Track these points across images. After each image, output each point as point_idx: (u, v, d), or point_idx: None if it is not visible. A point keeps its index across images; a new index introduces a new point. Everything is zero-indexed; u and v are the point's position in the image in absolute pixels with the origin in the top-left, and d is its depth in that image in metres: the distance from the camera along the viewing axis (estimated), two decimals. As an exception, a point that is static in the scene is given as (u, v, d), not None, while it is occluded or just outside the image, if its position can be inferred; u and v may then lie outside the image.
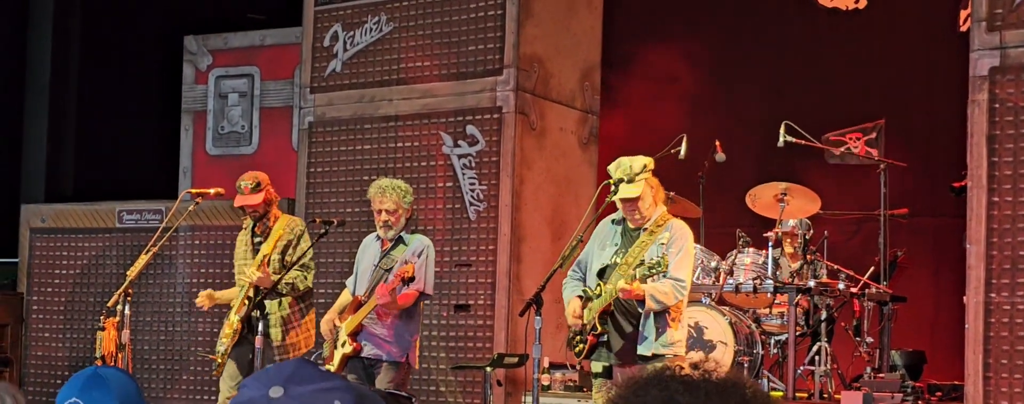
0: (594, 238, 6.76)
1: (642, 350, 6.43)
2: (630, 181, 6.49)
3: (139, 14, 12.32)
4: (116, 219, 10.81)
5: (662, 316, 6.45)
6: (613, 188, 6.55)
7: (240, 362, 7.81)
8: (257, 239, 7.88)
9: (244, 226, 8.04)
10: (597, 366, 6.66)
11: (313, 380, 1.76)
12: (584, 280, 6.71)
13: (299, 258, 7.68)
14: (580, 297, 6.59)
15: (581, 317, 6.53)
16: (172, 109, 12.29)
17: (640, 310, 6.43)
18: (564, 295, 6.77)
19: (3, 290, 11.11)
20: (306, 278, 7.74)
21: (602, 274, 6.57)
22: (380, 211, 7.23)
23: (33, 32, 11.94)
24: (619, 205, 6.58)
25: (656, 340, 6.42)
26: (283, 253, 7.73)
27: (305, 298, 7.86)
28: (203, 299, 7.85)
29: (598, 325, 6.48)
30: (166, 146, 12.32)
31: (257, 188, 7.79)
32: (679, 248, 6.46)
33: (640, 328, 6.46)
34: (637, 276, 6.28)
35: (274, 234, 7.78)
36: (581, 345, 6.58)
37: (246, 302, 7.70)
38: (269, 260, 7.74)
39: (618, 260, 6.54)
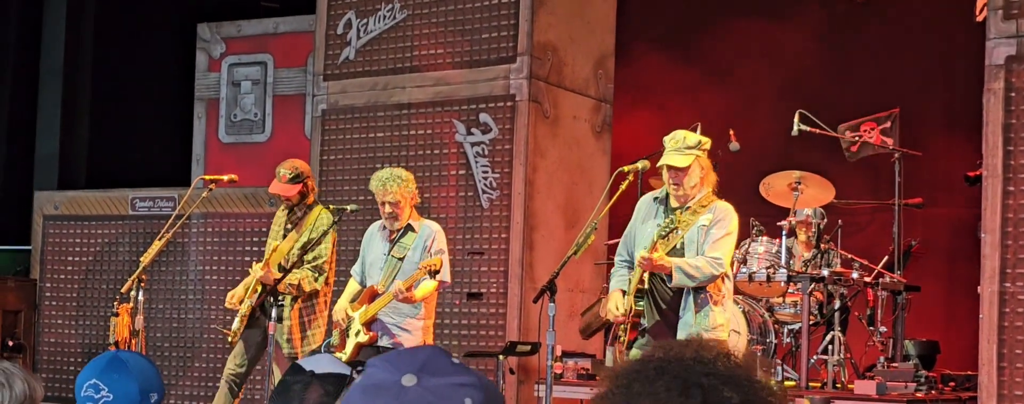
0: (635, 216, 6.60)
1: (681, 336, 6.21)
2: (680, 152, 6.36)
3: (152, 1, 12.32)
4: (129, 206, 10.83)
5: (703, 297, 6.29)
6: (661, 159, 6.41)
7: (248, 343, 7.84)
8: (288, 226, 7.86)
9: (281, 207, 7.97)
10: (636, 354, 6.53)
11: (447, 373, 1.71)
12: (631, 263, 6.54)
13: (314, 258, 7.64)
14: (623, 291, 6.48)
15: (624, 312, 6.38)
16: (185, 97, 12.29)
17: (667, 282, 6.27)
18: (611, 286, 6.64)
19: (16, 277, 11.14)
20: (316, 280, 7.66)
21: None
22: (384, 203, 7.22)
23: (47, 19, 11.95)
24: (664, 175, 6.42)
25: (696, 323, 6.26)
26: (304, 249, 7.68)
27: (314, 296, 7.81)
28: (231, 302, 7.86)
29: (633, 305, 6.37)
30: (179, 134, 12.31)
31: (296, 179, 7.73)
32: (722, 229, 6.31)
33: (680, 309, 6.33)
34: (655, 238, 6.18)
35: (303, 227, 7.74)
36: (623, 336, 6.45)
37: (258, 289, 7.72)
38: (289, 253, 7.71)
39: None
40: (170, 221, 8.06)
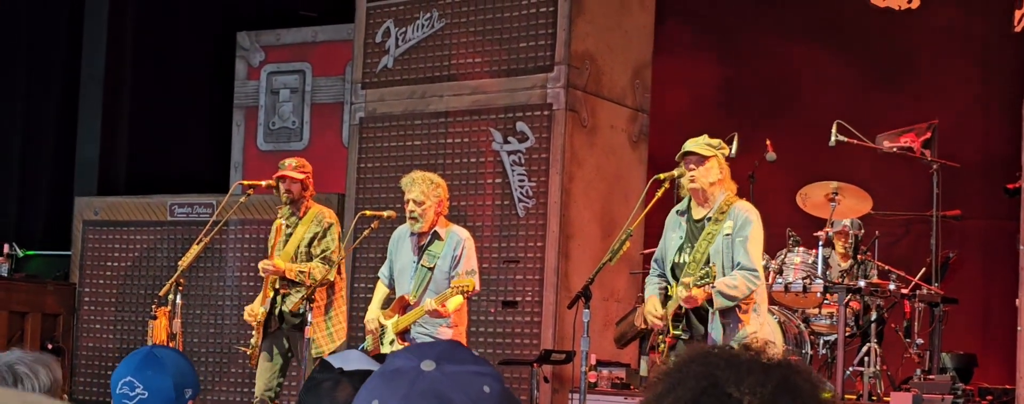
0: (665, 231, 6.67)
1: None
2: (699, 146, 6.41)
3: (193, 10, 12.42)
4: (167, 212, 10.90)
5: (731, 311, 6.28)
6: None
7: (272, 355, 7.88)
8: (288, 229, 7.94)
9: (280, 214, 8.08)
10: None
11: (466, 361, 1.75)
12: (664, 276, 6.60)
13: (322, 251, 7.74)
14: (664, 295, 6.51)
15: (660, 316, 6.42)
16: (224, 104, 12.38)
17: (710, 308, 6.29)
18: (645, 293, 6.69)
19: (56, 281, 11.23)
20: (327, 272, 7.75)
21: (675, 276, 6.48)
22: (408, 201, 7.22)
23: (88, 26, 12.05)
24: (681, 170, 6.45)
25: (724, 337, 6.26)
26: (310, 245, 7.78)
27: (331, 291, 7.86)
28: (249, 318, 7.93)
29: (670, 328, 6.40)
30: (218, 141, 12.41)
31: (300, 169, 7.91)
32: (744, 235, 6.29)
33: (707, 328, 6.33)
34: (691, 285, 6.19)
35: (302, 225, 7.84)
36: (662, 345, 6.49)
37: (270, 293, 7.78)
38: (296, 251, 7.80)
39: (685, 258, 6.42)
40: (209, 225, 8.10)
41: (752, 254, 6.30)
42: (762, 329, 6.41)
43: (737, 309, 6.31)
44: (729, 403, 1.60)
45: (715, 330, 6.29)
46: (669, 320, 6.38)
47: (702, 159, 6.40)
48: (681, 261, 6.45)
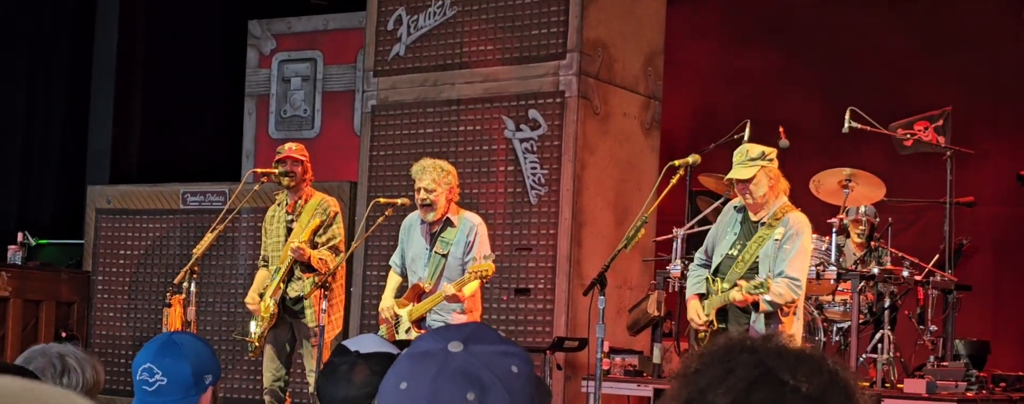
0: (719, 222, 6.83)
1: None
2: (744, 165, 6.48)
3: (204, -2, 12.44)
4: (180, 201, 10.91)
5: (774, 313, 6.45)
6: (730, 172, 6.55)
7: (278, 345, 7.89)
8: (289, 217, 7.95)
9: (277, 202, 8.08)
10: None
11: (493, 342, 1.77)
12: (708, 265, 6.75)
13: (329, 240, 7.75)
14: (700, 296, 6.68)
15: (704, 323, 6.62)
16: (236, 93, 12.38)
17: (754, 311, 6.47)
18: (687, 286, 6.87)
19: (69, 269, 11.26)
20: (335, 260, 7.78)
21: (719, 268, 6.64)
22: (419, 189, 7.20)
23: (100, 15, 12.06)
24: (734, 187, 6.59)
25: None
26: (314, 233, 7.77)
27: (332, 281, 7.86)
28: (252, 305, 7.93)
29: (715, 322, 6.57)
30: (229, 129, 12.42)
31: (300, 151, 7.99)
32: (793, 244, 6.44)
33: (751, 322, 6.50)
34: (744, 290, 6.33)
35: (305, 214, 7.83)
36: (705, 339, 6.65)
37: (281, 286, 7.77)
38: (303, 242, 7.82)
39: (734, 253, 6.58)
40: (222, 214, 8.11)
41: (797, 265, 6.45)
42: (798, 334, 6.64)
43: (780, 311, 6.48)
44: (785, 391, 1.60)
45: (759, 325, 6.49)
46: (713, 315, 6.57)
47: (749, 181, 6.47)
48: (730, 255, 6.61)
